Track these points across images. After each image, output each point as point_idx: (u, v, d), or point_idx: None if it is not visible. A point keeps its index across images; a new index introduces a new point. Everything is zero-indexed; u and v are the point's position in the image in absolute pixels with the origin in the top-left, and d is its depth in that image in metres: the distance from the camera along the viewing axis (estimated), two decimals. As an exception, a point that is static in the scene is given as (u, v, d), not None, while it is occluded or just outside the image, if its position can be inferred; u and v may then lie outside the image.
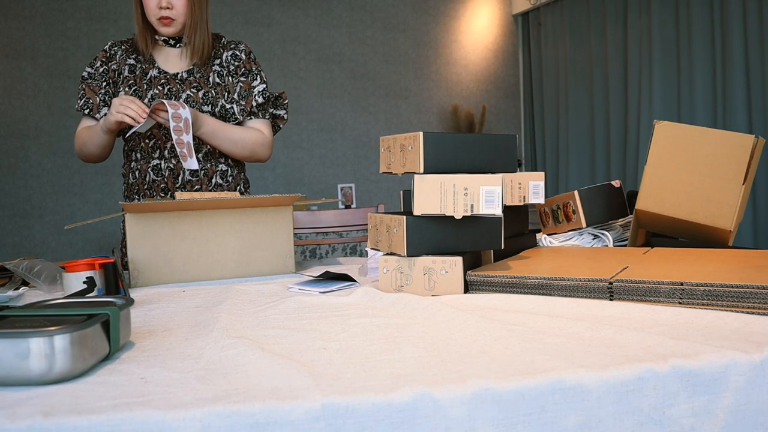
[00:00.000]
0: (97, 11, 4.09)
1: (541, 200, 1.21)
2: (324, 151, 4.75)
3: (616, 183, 1.56)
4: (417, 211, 1.05)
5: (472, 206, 1.04)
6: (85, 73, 1.75)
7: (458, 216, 1.04)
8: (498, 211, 1.04)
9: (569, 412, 0.60)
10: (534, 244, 1.42)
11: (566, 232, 1.48)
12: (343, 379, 0.62)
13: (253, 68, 1.81)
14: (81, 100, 1.72)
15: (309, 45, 4.67)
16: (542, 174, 1.21)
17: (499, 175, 1.04)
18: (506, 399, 0.59)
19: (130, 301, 0.79)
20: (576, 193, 1.43)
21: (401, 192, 1.34)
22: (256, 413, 0.55)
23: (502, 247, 1.11)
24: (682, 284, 0.89)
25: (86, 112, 1.71)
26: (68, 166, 4.03)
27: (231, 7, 4.34)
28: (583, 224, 1.42)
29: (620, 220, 1.53)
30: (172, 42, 1.76)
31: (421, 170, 1.05)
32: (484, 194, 1.03)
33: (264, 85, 1.81)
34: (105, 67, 1.74)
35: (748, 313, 0.83)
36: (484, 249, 1.10)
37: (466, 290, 1.06)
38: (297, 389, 0.59)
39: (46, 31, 4.02)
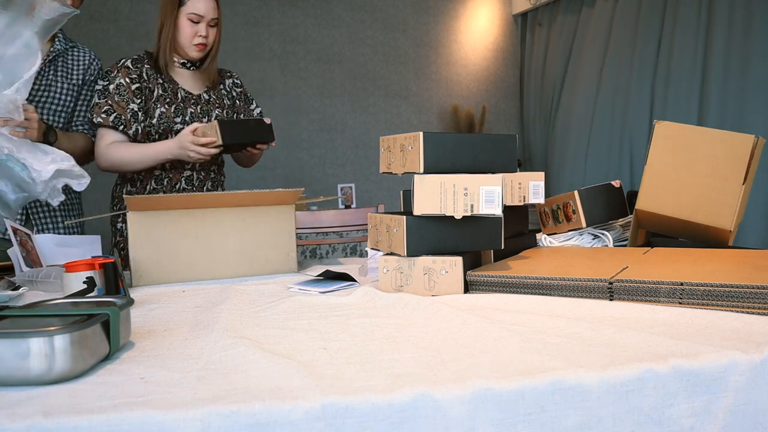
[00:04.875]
0: (97, 11, 4.09)
1: (541, 200, 1.21)
2: (324, 151, 4.75)
3: (616, 183, 1.56)
4: (417, 211, 1.04)
5: (472, 206, 1.04)
6: (109, 87, 1.75)
7: (458, 216, 1.04)
8: (498, 211, 1.04)
9: (569, 412, 0.60)
10: (534, 244, 1.42)
11: (566, 232, 1.48)
12: (343, 379, 0.62)
13: (248, 95, 2.02)
14: (110, 115, 1.73)
15: (309, 45, 4.66)
16: (542, 174, 1.21)
17: (499, 175, 1.04)
18: (506, 399, 0.59)
19: (130, 301, 0.79)
20: (576, 193, 1.43)
21: (401, 192, 1.34)
22: (256, 413, 0.55)
23: (502, 247, 1.11)
24: (682, 284, 0.89)
25: (120, 128, 1.74)
26: (68, 166, 4.04)
27: (231, 7, 4.34)
28: (583, 224, 1.42)
29: (620, 220, 1.54)
30: (188, 65, 1.86)
31: (421, 170, 1.05)
32: (484, 194, 1.03)
33: (260, 109, 2.03)
34: (137, 84, 1.77)
35: (748, 313, 0.83)
36: (484, 249, 1.10)
37: (466, 290, 1.06)
38: (297, 389, 0.59)
39: (46, 31, 4.02)
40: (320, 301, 1.04)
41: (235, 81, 1.99)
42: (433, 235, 1.06)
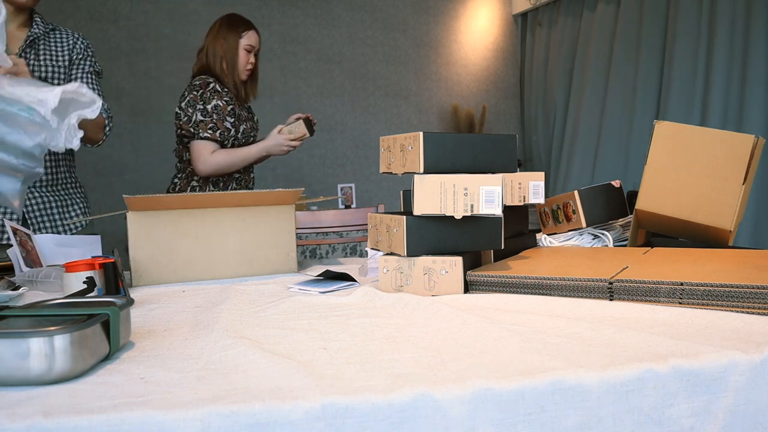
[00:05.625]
0: (97, 11, 4.09)
1: (541, 200, 1.21)
2: (324, 151, 4.75)
3: (616, 183, 1.56)
4: (417, 211, 1.04)
5: (472, 206, 1.04)
6: (207, 107, 2.09)
7: (458, 216, 1.04)
8: (498, 211, 1.04)
9: (569, 412, 0.60)
10: (534, 244, 1.42)
11: (566, 232, 1.48)
12: (343, 379, 0.62)
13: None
14: (216, 131, 2.10)
15: (309, 45, 4.66)
16: (542, 174, 1.21)
17: (499, 175, 1.04)
18: (506, 399, 0.59)
19: (130, 301, 0.79)
20: (576, 193, 1.43)
21: (401, 192, 1.34)
22: (256, 413, 0.55)
23: (502, 247, 1.11)
24: (682, 284, 0.89)
25: (225, 142, 2.13)
26: (68, 166, 4.03)
27: (231, 7, 4.33)
28: (583, 224, 1.42)
29: (620, 220, 1.53)
30: (234, 87, 2.25)
31: (421, 170, 1.05)
32: (484, 194, 1.03)
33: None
34: (231, 106, 2.14)
35: (748, 313, 0.83)
36: (484, 249, 1.10)
37: (466, 290, 1.06)
38: (297, 389, 0.59)
39: (46, 31, 4.02)
40: (320, 301, 1.04)
41: None
42: (433, 235, 1.06)
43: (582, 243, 1.43)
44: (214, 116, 2.09)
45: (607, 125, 4.47)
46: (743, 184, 1.24)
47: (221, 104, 2.10)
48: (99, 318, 0.69)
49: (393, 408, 0.57)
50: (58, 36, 1.87)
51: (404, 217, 1.05)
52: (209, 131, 2.08)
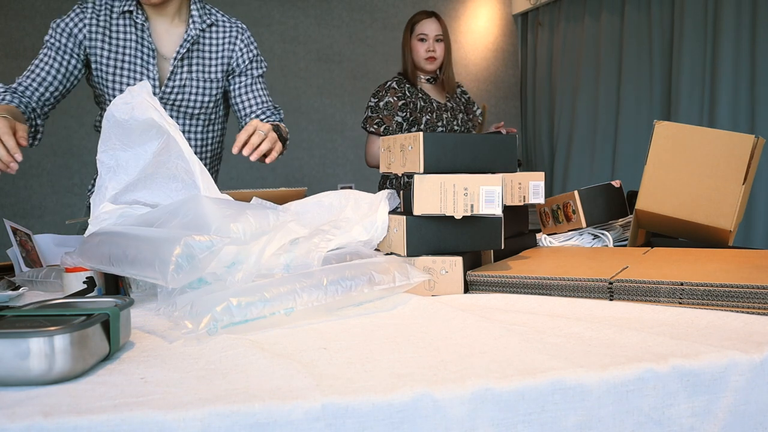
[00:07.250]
0: None
1: (541, 200, 1.21)
2: (324, 151, 4.75)
3: (616, 183, 1.56)
4: (417, 211, 1.04)
5: (472, 206, 1.04)
6: (380, 104, 2.32)
7: (458, 216, 1.04)
8: (498, 211, 1.04)
9: (569, 412, 0.60)
10: (534, 244, 1.42)
11: (566, 232, 1.48)
12: (343, 379, 0.62)
13: (471, 98, 2.60)
14: (381, 126, 2.32)
15: (309, 45, 4.66)
16: (542, 174, 1.21)
17: (499, 175, 1.04)
18: (506, 399, 0.59)
19: (130, 301, 0.79)
20: (576, 193, 1.43)
21: (401, 192, 1.34)
22: (256, 413, 0.55)
23: (502, 247, 1.11)
24: (682, 284, 0.89)
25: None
26: (68, 166, 4.03)
27: (231, 7, 4.34)
28: (583, 224, 1.42)
29: (620, 220, 1.54)
30: (430, 79, 2.42)
31: (421, 170, 1.05)
32: (484, 194, 1.03)
33: (480, 110, 2.68)
34: (403, 101, 2.31)
35: (748, 313, 0.83)
36: (484, 249, 1.10)
37: (466, 290, 1.06)
38: (297, 389, 0.59)
39: (46, 31, 4.01)
40: (320, 301, 1.04)
41: (462, 89, 2.57)
42: (433, 235, 1.06)
43: (582, 243, 1.43)
44: (384, 112, 2.30)
45: (606, 124, 4.47)
46: (743, 184, 1.24)
47: (392, 101, 2.30)
48: (99, 318, 0.69)
49: (393, 408, 0.57)
50: (215, 34, 1.50)
51: (404, 217, 1.05)
52: (375, 126, 2.33)
